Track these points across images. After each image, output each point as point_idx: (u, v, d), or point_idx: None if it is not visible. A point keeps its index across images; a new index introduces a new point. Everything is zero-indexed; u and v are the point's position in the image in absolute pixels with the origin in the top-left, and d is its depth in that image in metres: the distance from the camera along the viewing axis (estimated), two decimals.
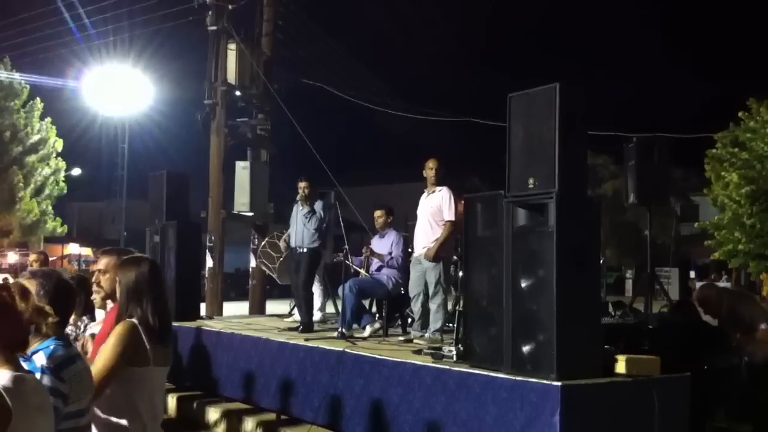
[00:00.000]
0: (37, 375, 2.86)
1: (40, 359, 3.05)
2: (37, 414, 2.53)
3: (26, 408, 2.45)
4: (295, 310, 10.92)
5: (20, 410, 2.41)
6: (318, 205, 9.26)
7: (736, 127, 29.05)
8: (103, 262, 4.26)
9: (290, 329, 9.09)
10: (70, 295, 3.41)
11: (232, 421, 8.36)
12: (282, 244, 10.11)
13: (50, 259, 41.60)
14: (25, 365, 2.72)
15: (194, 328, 9.52)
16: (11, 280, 3.29)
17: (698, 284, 27.11)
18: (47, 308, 2.84)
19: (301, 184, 9.33)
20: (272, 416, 8.03)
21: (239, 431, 8.20)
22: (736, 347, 7.05)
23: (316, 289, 10.31)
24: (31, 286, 3.10)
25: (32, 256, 8.79)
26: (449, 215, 8.01)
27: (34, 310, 2.70)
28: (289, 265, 10.09)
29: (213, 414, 8.69)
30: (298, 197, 9.36)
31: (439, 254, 7.99)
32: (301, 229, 9.21)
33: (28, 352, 2.90)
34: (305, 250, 9.19)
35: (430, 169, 8.26)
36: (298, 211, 9.30)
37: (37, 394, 2.60)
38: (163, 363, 3.75)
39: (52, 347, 3.11)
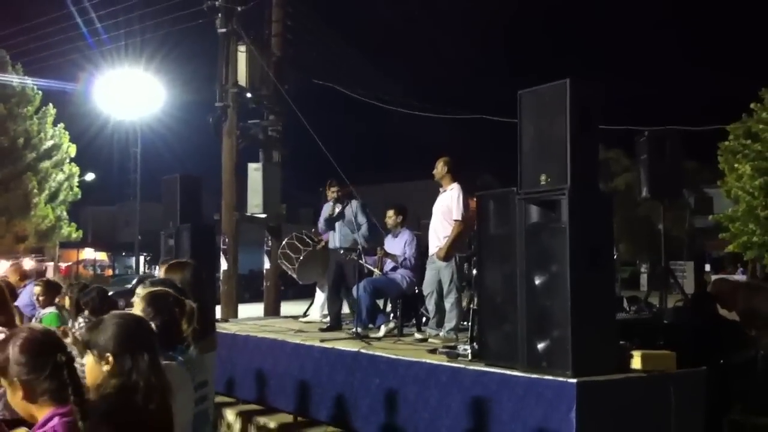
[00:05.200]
0: None
1: None
2: (179, 390, 3.10)
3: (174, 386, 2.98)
4: (311, 311, 10.95)
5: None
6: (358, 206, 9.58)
7: (748, 119, 28.89)
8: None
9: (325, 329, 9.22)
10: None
11: (248, 422, 8.39)
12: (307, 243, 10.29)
13: (66, 264, 41.70)
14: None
15: None
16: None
17: (713, 277, 27.00)
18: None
19: (333, 188, 9.70)
20: (289, 417, 8.06)
21: None
22: (752, 341, 7.00)
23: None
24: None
25: (9, 270, 8.41)
26: (457, 215, 8.01)
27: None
28: (328, 264, 10.17)
29: (230, 415, 8.72)
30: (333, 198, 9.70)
31: (450, 253, 7.99)
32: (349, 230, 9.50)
33: None
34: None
35: (434, 169, 8.33)
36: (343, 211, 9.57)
37: (179, 376, 3.32)
38: (211, 348, 4.85)
39: None
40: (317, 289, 10.93)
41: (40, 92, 30.10)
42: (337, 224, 9.58)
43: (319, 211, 10.16)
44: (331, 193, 9.69)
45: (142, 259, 44.31)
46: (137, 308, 3.58)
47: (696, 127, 17.28)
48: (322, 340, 7.92)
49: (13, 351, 2.50)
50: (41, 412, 2.48)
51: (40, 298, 7.69)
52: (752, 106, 28.56)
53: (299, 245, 10.44)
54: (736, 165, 28.93)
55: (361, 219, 9.42)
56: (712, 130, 21.59)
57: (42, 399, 2.48)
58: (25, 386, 2.47)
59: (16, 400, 2.50)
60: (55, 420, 2.44)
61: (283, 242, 10.98)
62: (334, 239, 9.62)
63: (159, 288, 3.89)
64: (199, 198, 11.01)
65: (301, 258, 10.25)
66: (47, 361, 2.49)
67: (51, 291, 7.79)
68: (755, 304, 7.21)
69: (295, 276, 10.65)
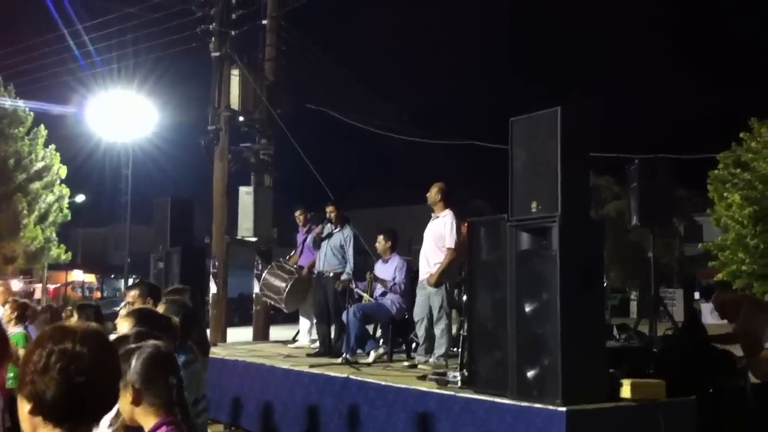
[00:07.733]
0: None
1: None
2: None
3: None
4: (299, 336, 10.88)
5: None
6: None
7: (737, 147, 29.06)
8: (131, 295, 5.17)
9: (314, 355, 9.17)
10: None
11: None
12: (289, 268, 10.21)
13: (54, 286, 41.44)
14: None
15: None
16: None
17: (703, 305, 27.00)
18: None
19: (329, 208, 9.65)
20: None
21: None
22: (742, 369, 7.00)
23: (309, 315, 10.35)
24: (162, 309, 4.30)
25: None
26: (450, 242, 7.99)
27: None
28: (315, 290, 9.99)
29: None
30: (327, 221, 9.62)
31: (441, 280, 7.97)
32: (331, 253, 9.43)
33: None
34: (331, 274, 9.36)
35: (428, 193, 8.31)
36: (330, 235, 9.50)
37: None
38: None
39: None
40: (301, 316, 10.86)
41: (31, 113, 30.07)
42: (324, 246, 9.53)
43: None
44: (315, 215, 9.69)
45: (131, 281, 44.11)
46: (125, 327, 3.61)
47: (686, 156, 17.38)
48: (312, 366, 7.88)
49: (135, 362, 2.78)
50: (147, 420, 2.72)
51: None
52: (742, 135, 28.74)
53: (284, 274, 10.30)
54: (725, 194, 29.07)
55: (350, 252, 9.35)
56: (702, 158, 21.72)
57: (147, 407, 2.73)
58: (135, 394, 2.72)
59: (125, 402, 2.74)
60: (163, 428, 2.67)
61: (264, 273, 10.83)
62: (319, 262, 9.59)
63: (142, 306, 4.29)
64: (190, 221, 10.99)
65: (288, 287, 10.11)
66: (159, 378, 2.77)
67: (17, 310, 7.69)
68: (755, 323, 7.19)
69: (282, 305, 10.45)
